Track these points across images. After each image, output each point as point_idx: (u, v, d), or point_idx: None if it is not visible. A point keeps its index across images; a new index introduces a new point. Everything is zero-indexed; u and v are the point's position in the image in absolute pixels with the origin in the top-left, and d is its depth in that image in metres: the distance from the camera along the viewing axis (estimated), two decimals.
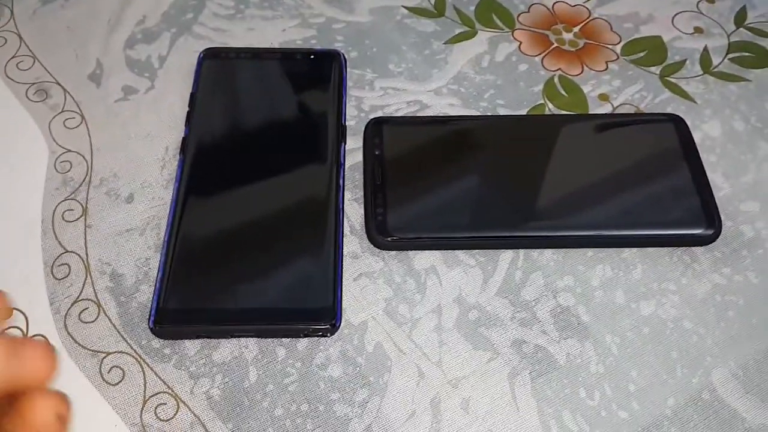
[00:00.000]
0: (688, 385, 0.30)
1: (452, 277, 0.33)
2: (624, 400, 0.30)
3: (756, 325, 0.32)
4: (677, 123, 0.37)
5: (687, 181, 0.35)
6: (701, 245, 0.34)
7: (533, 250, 0.34)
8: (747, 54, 0.42)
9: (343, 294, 0.32)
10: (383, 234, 0.33)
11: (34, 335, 0.31)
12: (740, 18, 0.44)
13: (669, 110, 0.39)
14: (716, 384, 0.30)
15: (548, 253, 0.34)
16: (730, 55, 0.42)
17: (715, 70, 0.41)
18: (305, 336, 0.31)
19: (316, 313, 0.31)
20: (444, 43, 0.42)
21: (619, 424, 0.29)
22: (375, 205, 0.34)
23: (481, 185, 0.35)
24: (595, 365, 0.31)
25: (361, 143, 0.36)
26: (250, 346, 0.31)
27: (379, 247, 0.33)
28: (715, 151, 0.37)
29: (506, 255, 0.34)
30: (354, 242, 0.34)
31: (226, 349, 0.31)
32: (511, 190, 0.35)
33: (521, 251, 0.34)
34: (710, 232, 0.33)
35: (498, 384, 0.30)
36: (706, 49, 0.42)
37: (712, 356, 0.31)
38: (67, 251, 0.33)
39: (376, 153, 0.35)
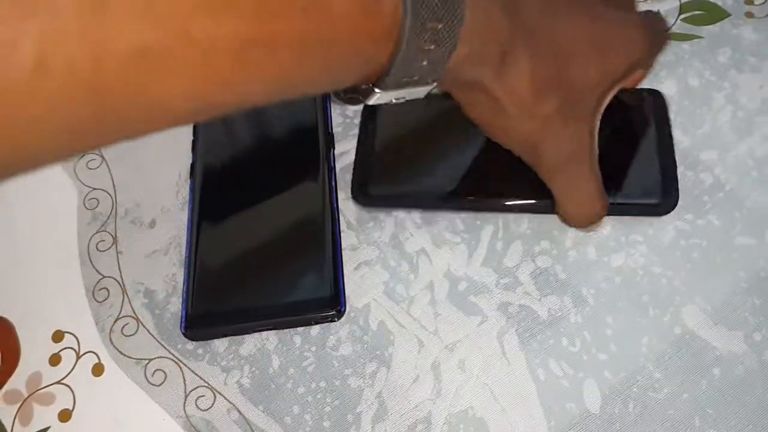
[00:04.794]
0: (660, 323, 0.34)
1: (440, 255, 0.37)
2: (602, 344, 0.33)
3: (719, 263, 0.35)
4: (656, 97, 0.39)
5: (653, 153, 0.37)
6: (657, 215, 0.36)
7: (511, 221, 0.37)
8: (699, 12, 0.45)
9: (346, 282, 0.36)
10: (365, 194, 0.38)
11: (86, 352, 0.36)
12: None
13: None
14: (686, 319, 0.34)
15: (525, 223, 0.37)
16: (683, 16, 0.45)
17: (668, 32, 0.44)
18: (316, 323, 0.35)
19: (323, 302, 0.35)
20: None
21: (599, 365, 0.33)
22: (362, 170, 0.38)
23: (459, 154, 0.38)
24: (574, 316, 0.34)
25: (347, 148, 0.41)
26: (270, 338, 0.35)
27: (365, 205, 0.38)
28: (672, 109, 0.40)
29: (487, 229, 0.37)
30: (351, 236, 0.38)
31: (250, 343, 0.35)
32: (489, 160, 0.38)
33: (500, 223, 0.37)
34: (667, 202, 0.35)
35: (489, 343, 0.34)
36: (658, 13, 0.45)
37: (681, 295, 0.34)
38: (104, 277, 0.38)
39: (369, 127, 0.39)
